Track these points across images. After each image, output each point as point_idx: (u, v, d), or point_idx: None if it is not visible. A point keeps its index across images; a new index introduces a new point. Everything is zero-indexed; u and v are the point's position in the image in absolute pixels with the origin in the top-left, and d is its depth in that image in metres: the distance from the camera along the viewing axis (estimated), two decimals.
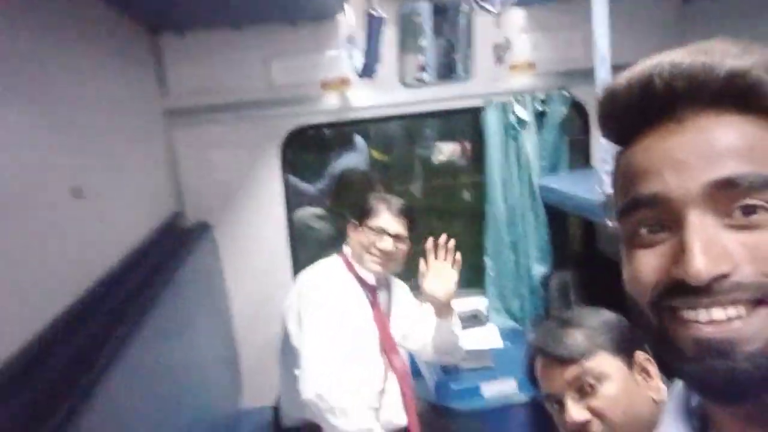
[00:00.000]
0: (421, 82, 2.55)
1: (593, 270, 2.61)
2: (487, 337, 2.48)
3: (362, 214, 1.93)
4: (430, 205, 3.55)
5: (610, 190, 1.80)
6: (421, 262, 1.89)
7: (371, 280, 1.94)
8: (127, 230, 1.70)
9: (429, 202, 3.55)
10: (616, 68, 1.74)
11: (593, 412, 1.04)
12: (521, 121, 2.53)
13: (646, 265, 0.49)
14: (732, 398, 0.47)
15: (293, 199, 2.63)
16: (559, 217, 2.59)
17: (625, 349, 1.09)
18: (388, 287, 2.03)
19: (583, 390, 1.06)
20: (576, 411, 1.05)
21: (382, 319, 1.96)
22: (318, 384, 1.73)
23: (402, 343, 2.01)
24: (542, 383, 1.14)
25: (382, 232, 1.89)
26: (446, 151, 4.07)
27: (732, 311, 0.45)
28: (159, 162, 2.22)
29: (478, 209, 2.70)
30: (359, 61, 2.02)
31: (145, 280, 1.58)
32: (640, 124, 0.51)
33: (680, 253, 0.46)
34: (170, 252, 1.88)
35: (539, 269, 2.59)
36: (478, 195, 2.72)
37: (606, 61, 1.73)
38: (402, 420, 1.93)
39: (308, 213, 3.02)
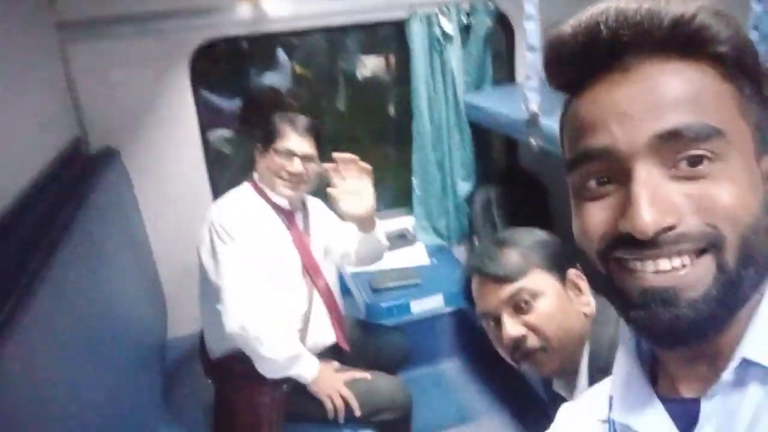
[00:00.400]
0: None
1: (516, 186, 2.68)
2: (415, 255, 2.53)
3: (267, 136, 1.83)
4: (356, 123, 3.45)
5: (534, 108, 1.81)
6: (329, 189, 1.81)
7: (285, 204, 1.89)
8: (19, 163, 1.53)
9: (355, 119, 3.44)
10: None
11: (528, 326, 1.08)
12: (446, 35, 2.46)
13: (595, 217, 0.50)
14: (676, 342, 0.49)
15: (213, 119, 2.47)
16: (483, 134, 2.60)
17: (558, 266, 1.12)
18: (303, 207, 1.99)
19: (519, 306, 1.09)
20: (512, 327, 1.08)
21: (302, 241, 1.93)
22: (240, 316, 1.71)
23: (325, 259, 2.00)
24: (478, 302, 1.16)
25: (291, 154, 1.81)
26: (371, 65, 3.94)
27: (677, 261, 0.46)
28: (54, 82, 2.00)
29: (404, 127, 2.65)
30: None
31: (48, 215, 1.46)
32: (587, 73, 0.50)
33: (627, 205, 0.46)
34: (74, 182, 1.74)
35: (464, 187, 2.62)
36: (404, 112, 2.66)
37: None
38: (330, 338, 1.96)
39: (217, 135, 2.86)
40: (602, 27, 0.48)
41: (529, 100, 1.79)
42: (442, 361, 2.78)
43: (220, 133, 2.87)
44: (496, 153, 2.84)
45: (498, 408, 2.50)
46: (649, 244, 0.46)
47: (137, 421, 1.61)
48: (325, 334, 1.96)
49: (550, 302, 1.09)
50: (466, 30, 2.50)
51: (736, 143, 0.47)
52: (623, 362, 0.60)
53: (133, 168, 2.13)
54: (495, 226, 2.59)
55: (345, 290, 2.30)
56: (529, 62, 1.78)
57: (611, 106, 0.48)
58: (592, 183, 0.50)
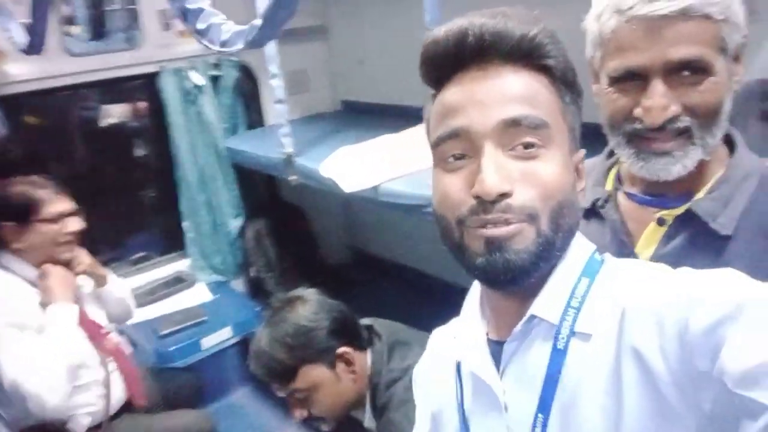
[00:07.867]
0: (71, 37, 2.36)
1: (281, 217, 2.97)
2: (196, 294, 2.64)
3: (21, 211, 1.74)
4: (111, 172, 3.31)
5: (289, 150, 2.12)
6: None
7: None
8: None
9: (109, 168, 3.30)
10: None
11: (309, 410, 1.35)
12: (197, 86, 2.65)
13: (453, 186, 0.61)
14: (507, 282, 0.60)
15: None
16: (245, 173, 2.82)
17: (324, 353, 1.33)
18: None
19: (299, 400, 1.35)
20: (297, 413, 1.36)
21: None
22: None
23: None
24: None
25: (62, 215, 1.78)
26: (116, 113, 3.85)
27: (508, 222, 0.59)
28: None
29: (165, 173, 2.73)
30: (20, 35, 1.82)
31: None
32: (452, 70, 0.62)
33: (478, 173, 0.58)
34: None
35: (235, 223, 2.83)
36: (162, 158, 2.73)
37: None
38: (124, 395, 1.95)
39: None
40: (469, 34, 0.59)
41: (284, 145, 2.10)
42: (237, 388, 2.91)
43: None
44: (260, 189, 3.08)
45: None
46: (489, 209, 0.57)
47: None
48: (121, 392, 1.94)
49: (323, 391, 1.34)
50: (215, 81, 2.72)
51: (557, 137, 0.60)
52: (467, 310, 0.73)
53: None
54: (267, 255, 2.84)
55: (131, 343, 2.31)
56: (279, 112, 2.09)
57: (470, 96, 0.59)
58: (451, 158, 0.61)
